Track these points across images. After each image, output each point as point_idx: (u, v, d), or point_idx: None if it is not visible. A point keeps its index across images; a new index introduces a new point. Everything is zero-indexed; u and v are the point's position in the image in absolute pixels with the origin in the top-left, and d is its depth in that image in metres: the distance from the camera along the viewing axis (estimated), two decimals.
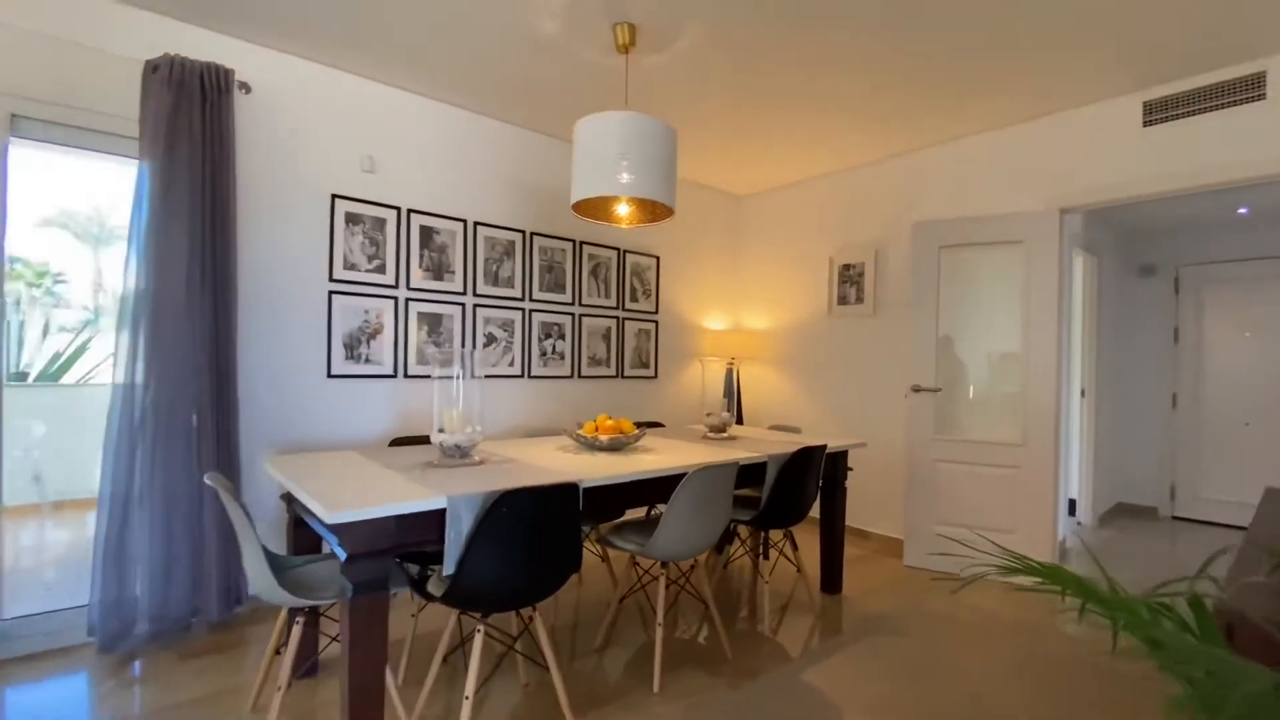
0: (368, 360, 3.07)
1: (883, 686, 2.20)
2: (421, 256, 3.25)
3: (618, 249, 4.12)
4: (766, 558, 2.65)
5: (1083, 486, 4.44)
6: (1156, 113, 2.95)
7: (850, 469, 3.22)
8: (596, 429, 2.62)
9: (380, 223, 3.11)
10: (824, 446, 2.75)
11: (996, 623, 2.75)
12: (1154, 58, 2.72)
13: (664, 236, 4.44)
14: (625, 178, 2.39)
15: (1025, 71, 2.88)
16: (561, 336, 3.82)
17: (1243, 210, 4.11)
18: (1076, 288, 4.34)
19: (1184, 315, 4.72)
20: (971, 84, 3.00)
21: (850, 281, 4.19)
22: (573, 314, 3.86)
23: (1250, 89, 2.70)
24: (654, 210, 2.63)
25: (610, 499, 2.11)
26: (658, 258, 4.37)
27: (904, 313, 3.87)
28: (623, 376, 4.15)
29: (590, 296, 3.96)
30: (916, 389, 3.51)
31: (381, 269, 3.12)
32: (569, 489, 1.80)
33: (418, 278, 3.23)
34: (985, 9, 2.40)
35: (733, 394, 4.61)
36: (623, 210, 2.70)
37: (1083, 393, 4.44)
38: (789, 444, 2.83)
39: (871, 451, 4.01)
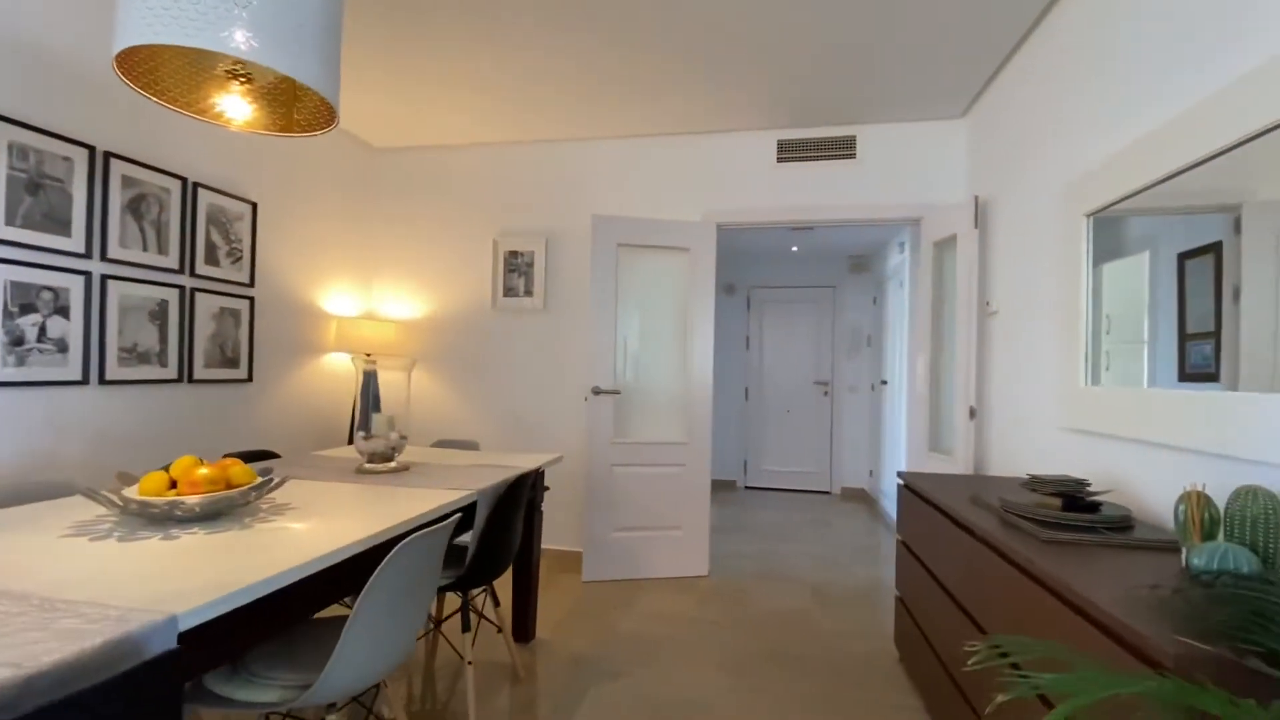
0: None
1: None
2: None
3: (182, 177, 2.61)
4: (468, 628, 1.93)
5: None
6: (786, 152, 3.43)
7: (547, 488, 2.74)
8: (175, 483, 1.42)
9: None
10: (538, 470, 2.18)
11: (695, 625, 2.70)
12: (782, 105, 3.12)
13: (266, 173, 3.07)
14: (242, 36, 1.31)
15: (686, 90, 2.98)
16: (63, 311, 2.16)
17: (794, 248, 5.36)
18: None
19: (752, 326, 5.95)
20: (643, 88, 2.99)
21: (518, 271, 3.71)
22: (85, 272, 2.23)
23: (846, 148, 3.36)
24: (294, 107, 1.58)
25: (225, 629, 1.08)
26: (254, 204, 2.98)
27: (579, 309, 3.61)
28: (190, 380, 2.66)
29: (125, 246, 2.37)
30: (597, 391, 3.27)
31: None
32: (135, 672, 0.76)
33: None
34: (647, 24, 2.44)
35: (370, 402, 3.55)
36: (236, 106, 1.52)
37: None
38: (489, 469, 2.15)
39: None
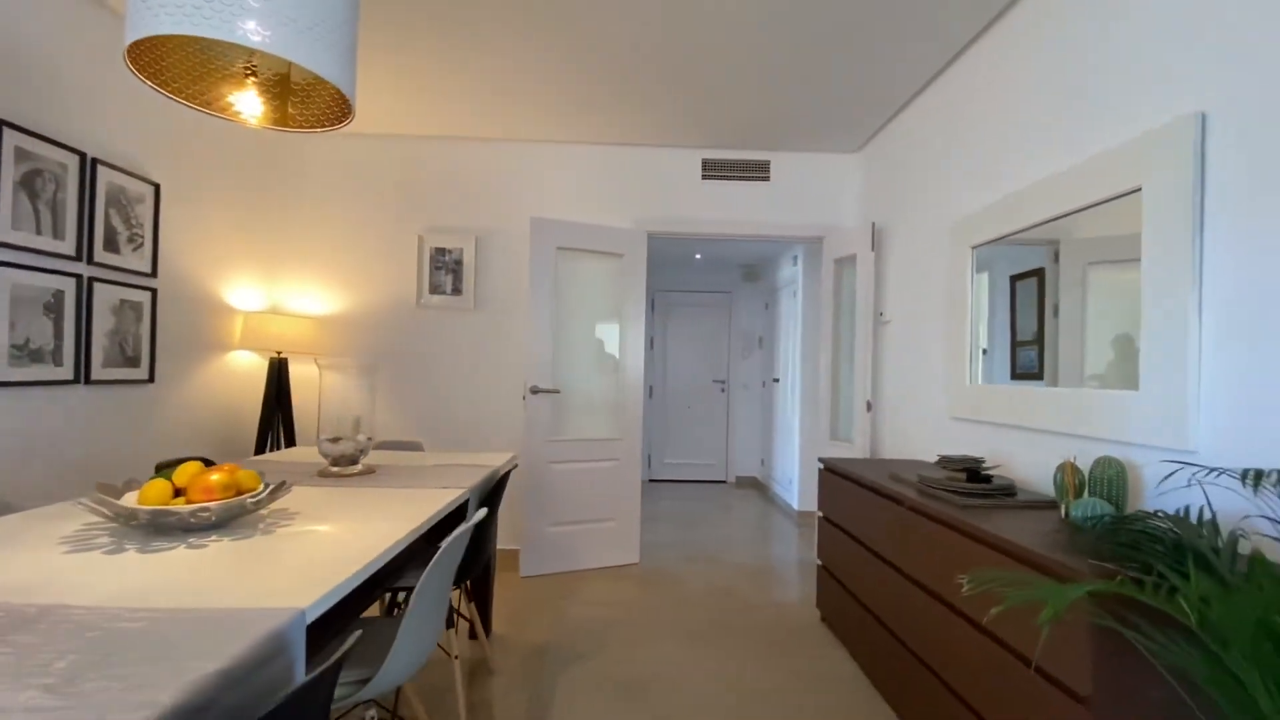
0: None
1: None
2: None
3: (81, 152, 2.31)
4: (451, 624, 1.94)
5: None
6: (709, 170, 3.74)
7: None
8: (181, 492, 1.35)
9: None
10: (512, 468, 2.26)
11: (639, 607, 2.89)
12: (706, 128, 3.43)
13: (169, 151, 2.78)
14: (254, 27, 1.30)
15: (619, 105, 3.16)
16: None
17: (698, 256, 5.75)
18: None
19: (657, 328, 6.26)
20: (578, 99, 3.11)
21: (446, 269, 3.66)
22: None
23: (761, 171, 3.75)
24: (306, 103, 1.55)
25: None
26: (157, 185, 2.69)
27: (512, 309, 3.65)
28: (87, 382, 2.36)
29: (16, 229, 2.07)
30: (535, 390, 3.35)
31: None
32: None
33: None
34: (581, 41, 2.57)
35: (277, 400, 3.30)
36: (247, 103, 1.46)
37: None
38: (459, 469, 2.19)
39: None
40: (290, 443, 3.31)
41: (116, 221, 2.47)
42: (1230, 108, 1.41)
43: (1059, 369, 2.10)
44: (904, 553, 2.00)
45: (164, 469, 1.43)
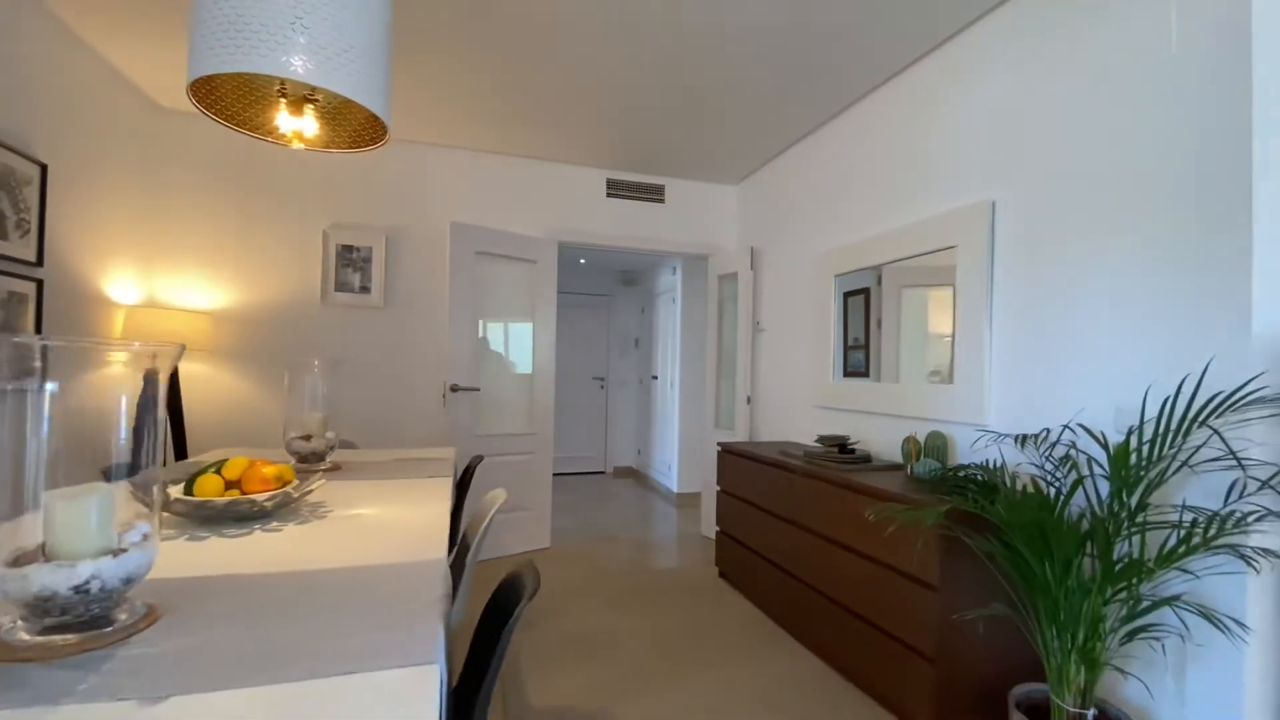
0: None
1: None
2: None
3: None
4: None
5: None
6: (613, 189, 4.15)
7: None
8: (234, 482, 1.45)
9: None
10: (479, 460, 2.48)
11: (566, 581, 3.21)
12: (610, 151, 3.85)
13: (56, 129, 2.52)
14: (299, 60, 1.48)
15: (533, 122, 3.42)
16: None
17: (582, 261, 6.12)
18: None
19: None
20: (499, 110, 3.28)
21: (354, 266, 3.64)
22: None
23: (657, 194, 4.25)
24: (343, 123, 1.68)
25: None
26: (44, 166, 2.44)
27: (425, 308, 3.73)
28: None
29: None
30: (455, 388, 3.50)
31: None
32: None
33: None
34: (502, 57, 2.75)
35: (149, 402, 3.07)
36: (288, 121, 1.57)
37: None
38: (417, 462, 2.37)
39: None
40: (181, 453, 3.10)
41: (5, 205, 2.23)
42: (1007, 199, 2.17)
43: (881, 368, 2.87)
44: (798, 509, 2.60)
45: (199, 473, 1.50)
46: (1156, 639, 1.58)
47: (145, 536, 0.88)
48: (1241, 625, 1.47)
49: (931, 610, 1.82)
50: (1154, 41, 1.71)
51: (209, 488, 1.41)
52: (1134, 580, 1.50)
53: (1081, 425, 1.84)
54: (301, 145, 1.58)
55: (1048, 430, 1.94)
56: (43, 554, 0.80)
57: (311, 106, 1.55)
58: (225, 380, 3.43)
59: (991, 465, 1.94)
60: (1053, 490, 1.70)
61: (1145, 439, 1.53)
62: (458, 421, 3.51)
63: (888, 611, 2.03)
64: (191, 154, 3.37)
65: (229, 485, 1.46)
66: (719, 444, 3.39)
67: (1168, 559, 1.44)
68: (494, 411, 3.76)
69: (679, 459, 5.32)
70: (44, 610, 0.78)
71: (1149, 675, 1.66)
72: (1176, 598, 1.50)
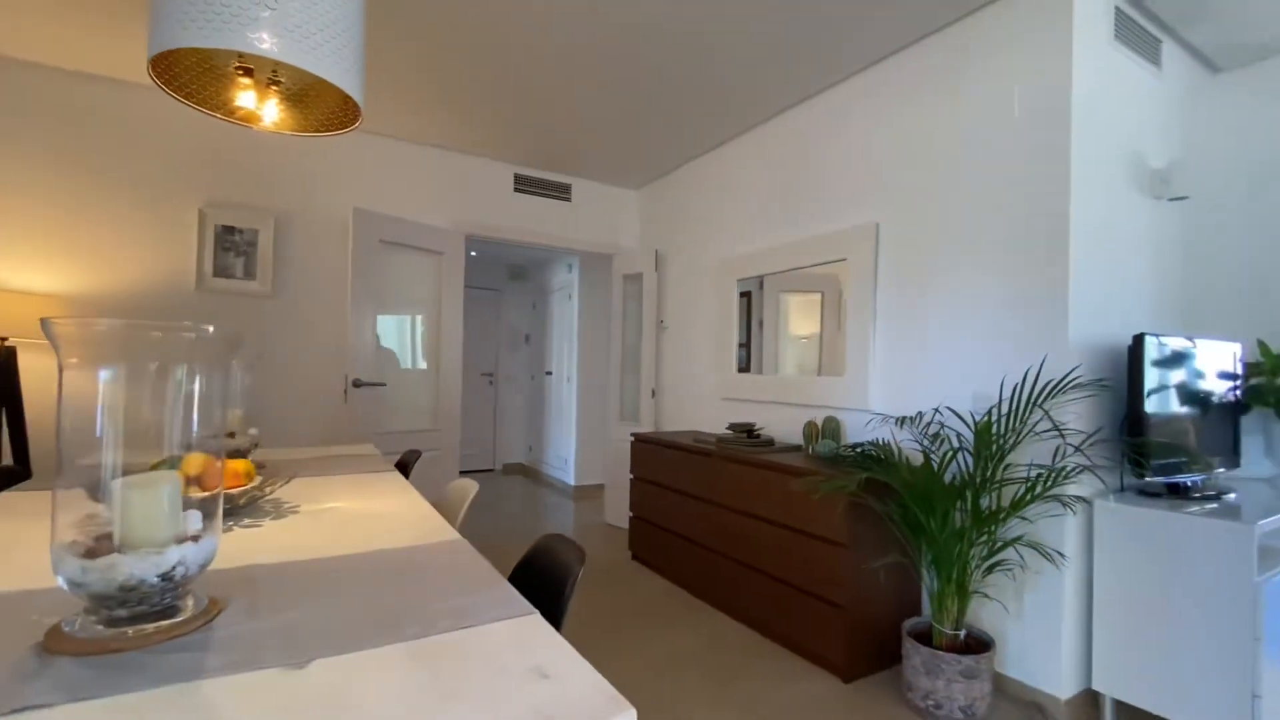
0: None
1: None
2: None
3: None
4: None
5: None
6: (521, 184, 4.18)
7: None
8: (194, 479, 1.36)
9: None
10: (418, 455, 2.43)
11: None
12: (518, 148, 3.89)
13: None
14: (266, 36, 1.45)
15: (444, 110, 3.34)
16: None
17: (473, 253, 5.98)
18: None
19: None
20: (406, 96, 3.19)
21: (236, 250, 3.31)
22: None
23: (564, 192, 4.35)
24: (314, 105, 1.61)
25: None
26: None
27: (319, 298, 3.49)
28: None
29: None
30: (358, 384, 3.33)
31: None
32: None
33: None
34: (413, 42, 2.77)
35: (11, 398, 2.60)
36: (249, 101, 1.47)
37: None
38: (347, 459, 2.30)
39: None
40: (21, 458, 2.64)
41: None
42: (890, 222, 2.61)
43: (763, 364, 3.28)
44: (716, 489, 2.88)
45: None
46: (1008, 570, 2.05)
47: (205, 523, 0.87)
48: (1061, 555, 1.97)
49: (842, 565, 2.17)
50: (1003, 107, 2.19)
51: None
52: (993, 526, 1.94)
53: (950, 408, 2.29)
54: (266, 128, 1.51)
55: (921, 413, 2.39)
56: (114, 545, 0.77)
57: (245, 77, 1.48)
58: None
59: (881, 443, 2.34)
60: (933, 460, 2.12)
61: (1002, 415, 1.97)
62: (360, 418, 3.35)
63: (802, 571, 2.35)
64: (38, 114, 2.86)
65: (190, 482, 1.37)
66: (633, 435, 3.59)
67: (1016, 507, 1.89)
68: (397, 408, 3.63)
69: (577, 453, 5.44)
70: (120, 602, 0.76)
71: (1004, 600, 2.14)
72: (1020, 538, 1.96)
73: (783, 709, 2.01)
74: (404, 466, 2.33)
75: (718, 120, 3.35)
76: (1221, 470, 2.13)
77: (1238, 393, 2.25)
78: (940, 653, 1.91)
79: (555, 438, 5.95)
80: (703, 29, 2.48)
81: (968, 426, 2.08)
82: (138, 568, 0.75)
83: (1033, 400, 1.93)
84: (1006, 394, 2.05)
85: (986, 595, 2.13)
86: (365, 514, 1.46)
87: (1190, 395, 2.08)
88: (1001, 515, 1.91)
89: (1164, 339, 2.01)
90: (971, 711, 1.89)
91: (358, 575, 1.03)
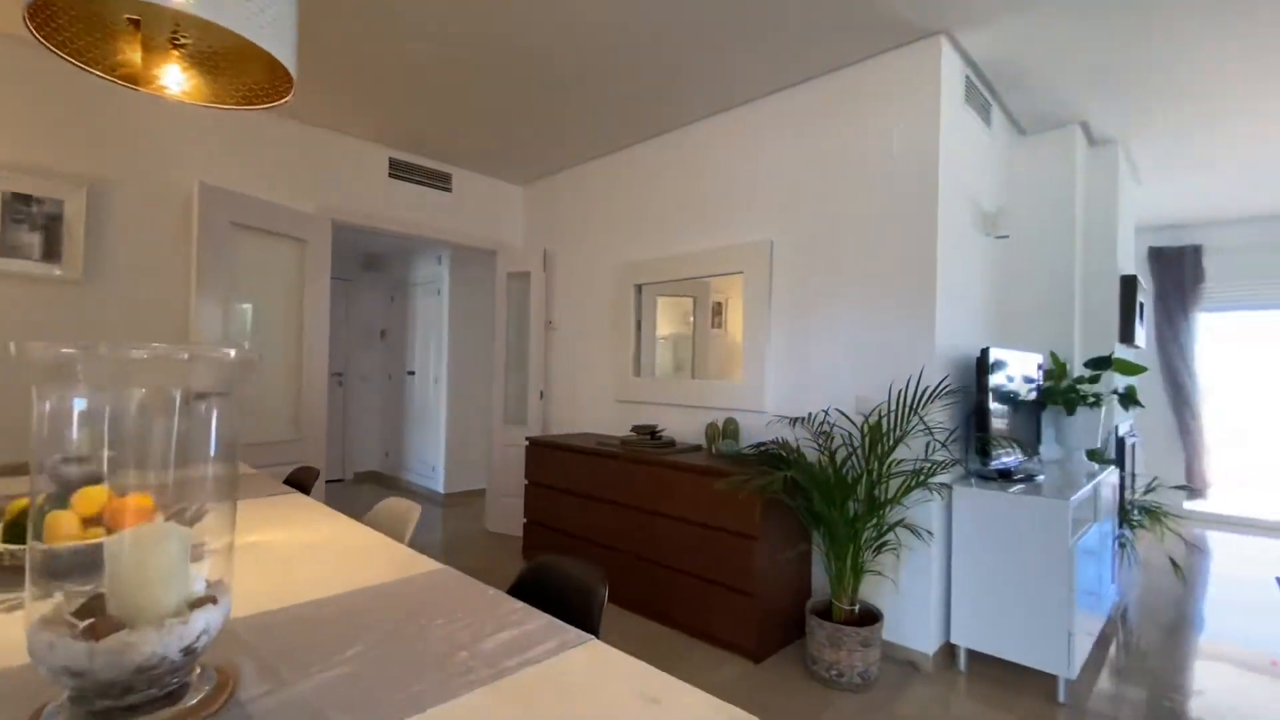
0: None
1: None
2: None
3: None
4: None
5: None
6: (396, 170, 3.86)
7: None
8: (94, 519, 1.10)
9: None
10: (318, 474, 2.15)
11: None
12: (393, 131, 3.60)
13: None
14: None
15: (309, 80, 2.95)
16: None
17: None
18: None
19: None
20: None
21: (31, 224, 2.64)
22: None
23: (444, 182, 4.09)
24: (228, 74, 1.35)
25: None
26: None
27: (147, 286, 2.91)
28: None
29: None
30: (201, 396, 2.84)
31: None
32: None
33: None
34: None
35: None
36: (146, 62, 1.19)
37: None
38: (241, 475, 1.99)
39: None
40: None
41: None
42: (783, 240, 2.86)
43: (642, 365, 3.46)
44: (621, 490, 2.94)
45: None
46: (892, 550, 2.37)
47: (209, 578, 0.73)
48: (929, 533, 2.33)
49: (753, 556, 2.35)
50: (883, 145, 2.53)
51: (62, 529, 1.05)
52: (881, 512, 2.24)
53: (838, 409, 2.59)
54: (175, 97, 1.26)
55: (811, 414, 2.67)
56: (105, 615, 0.62)
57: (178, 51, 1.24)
58: None
59: (782, 441, 2.58)
60: (836, 458, 2.39)
61: (890, 414, 2.29)
62: None
63: (713, 564, 2.51)
64: None
65: (89, 523, 1.09)
66: (528, 439, 3.51)
67: (901, 495, 2.20)
68: (254, 415, 3.17)
69: (447, 458, 5.15)
70: (125, 688, 0.62)
71: (888, 574, 2.47)
72: (901, 520, 2.29)
73: None
74: (299, 486, 2.06)
75: (615, 124, 3.39)
76: (1033, 457, 2.68)
77: (1038, 393, 2.85)
78: (843, 627, 2.17)
79: (418, 443, 5.57)
80: (601, 34, 2.49)
81: (854, 426, 2.37)
82: (160, 644, 0.61)
83: (915, 404, 2.26)
84: (892, 398, 2.37)
85: (878, 573, 2.45)
86: (306, 546, 1.29)
87: (1010, 397, 2.59)
88: (889, 503, 2.22)
89: (997, 351, 2.48)
90: (866, 675, 2.18)
91: (360, 619, 0.92)
